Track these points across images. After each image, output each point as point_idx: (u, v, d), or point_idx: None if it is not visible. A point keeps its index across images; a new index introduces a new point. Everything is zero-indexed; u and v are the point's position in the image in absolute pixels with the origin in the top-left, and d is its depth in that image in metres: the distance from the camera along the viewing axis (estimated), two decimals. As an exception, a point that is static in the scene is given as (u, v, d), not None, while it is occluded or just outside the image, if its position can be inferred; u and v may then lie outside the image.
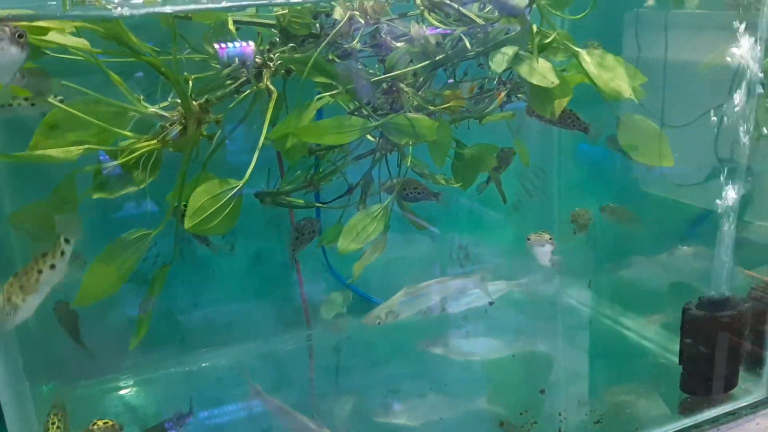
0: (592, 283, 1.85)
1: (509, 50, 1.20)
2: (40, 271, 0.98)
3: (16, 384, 1.23)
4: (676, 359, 1.52)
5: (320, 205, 1.53)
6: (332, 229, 1.63)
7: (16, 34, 0.85)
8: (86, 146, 1.08)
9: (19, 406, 1.19)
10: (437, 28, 1.25)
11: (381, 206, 1.32)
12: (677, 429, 1.39)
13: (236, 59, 1.24)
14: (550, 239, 1.64)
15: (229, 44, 1.23)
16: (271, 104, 1.22)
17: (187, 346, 1.74)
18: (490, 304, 1.70)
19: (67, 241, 0.99)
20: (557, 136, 1.94)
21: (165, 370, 1.70)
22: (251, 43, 1.25)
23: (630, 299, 1.85)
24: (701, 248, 1.74)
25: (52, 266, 0.99)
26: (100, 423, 1.17)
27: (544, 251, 1.65)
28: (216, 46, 1.22)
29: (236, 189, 1.14)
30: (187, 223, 1.09)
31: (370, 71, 1.32)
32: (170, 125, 1.14)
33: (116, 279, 1.10)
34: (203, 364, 1.73)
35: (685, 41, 1.70)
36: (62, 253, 1.00)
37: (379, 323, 1.44)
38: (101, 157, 1.22)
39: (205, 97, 1.17)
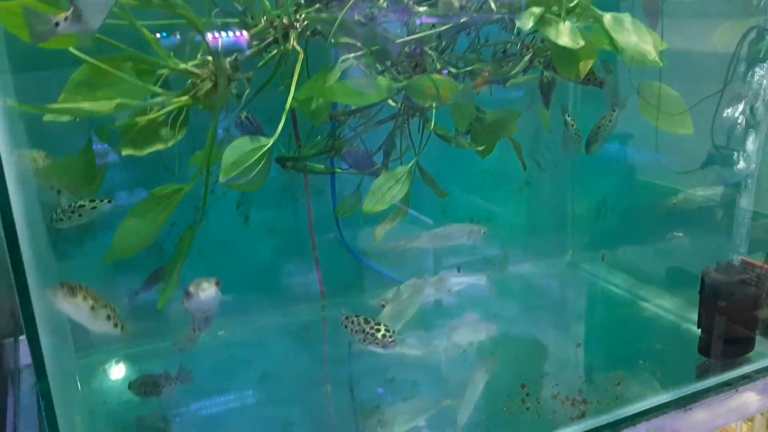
0: (605, 257, 1.87)
1: (536, 9, 1.21)
2: None
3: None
4: (694, 327, 1.54)
5: (340, 170, 1.54)
6: (349, 198, 1.65)
7: None
8: (119, 100, 1.08)
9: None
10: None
11: (405, 168, 1.33)
12: (696, 390, 1.41)
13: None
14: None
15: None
16: (298, 65, 1.22)
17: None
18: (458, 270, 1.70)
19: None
20: (571, 108, 1.95)
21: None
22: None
23: (644, 271, 1.87)
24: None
25: None
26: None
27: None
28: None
29: (269, 144, 1.13)
30: (222, 178, 1.09)
31: (394, 34, 1.32)
32: (201, 82, 1.14)
33: (149, 233, 1.10)
34: (219, 333, 1.72)
35: (682, 29, 1.71)
36: None
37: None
38: (97, 145, 1.23)
39: (235, 54, 1.17)
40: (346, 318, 1.28)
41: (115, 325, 1.07)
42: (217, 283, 1.10)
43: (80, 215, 1.12)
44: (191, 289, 1.08)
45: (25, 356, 1.62)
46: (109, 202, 1.17)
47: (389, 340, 1.22)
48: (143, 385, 1.35)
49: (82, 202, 1.13)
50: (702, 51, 1.71)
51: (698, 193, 1.85)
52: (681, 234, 1.85)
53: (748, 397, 1.44)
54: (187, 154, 1.28)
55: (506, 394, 1.41)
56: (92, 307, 1.01)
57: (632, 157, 2.00)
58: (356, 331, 1.25)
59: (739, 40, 1.66)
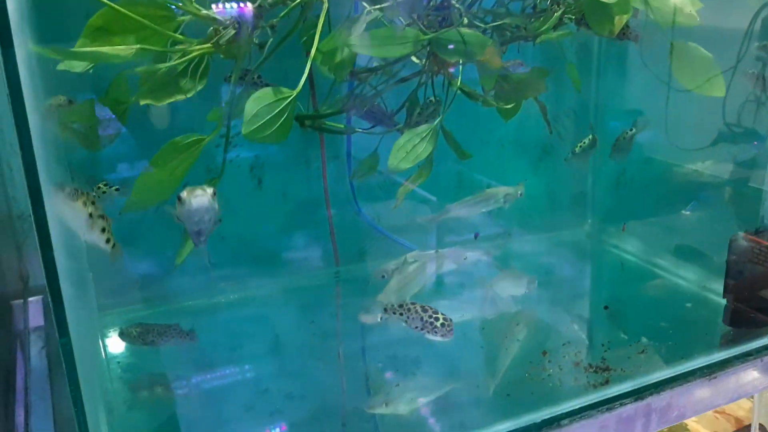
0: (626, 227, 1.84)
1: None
2: None
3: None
4: (717, 297, 1.51)
5: (360, 130, 1.50)
6: (366, 161, 1.61)
7: None
8: (139, 46, 1.04)
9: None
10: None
11: (430, 126, 1.29)
12: (721, 359, 1.38)
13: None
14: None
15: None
16: (323, 14, 1.18)
17: (213, 279, 1.71)
18: (476, 236, 1.66)
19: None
20: (595, 73, 1.91)
21: (192, 301, 1.67)
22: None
23: (666, 242, 1.84)
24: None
25: None
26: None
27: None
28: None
29: (293, 95, 1.09)
30: (245, 130, 1.05)
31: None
32: (223, 29, 1.10)
33: (169, 183, 1.06)
34: (231, 296, 1.70)
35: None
36: None
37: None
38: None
39: (258, 2, 1.13)
40: (401, 306, 1.24)
41: (107, 241, 0.99)
42: (213, 194, 1.00)
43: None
44: (183, 194, 0.98)
45: (34, 318, 1.60)
46: (117, 189, 1.24)
47: (448, 328, 1.19)
48: (142, 333, 1.32)
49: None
50: (715, 27, 1.66)
51: (718, 168, 1.82)
52: (701, 210, 1.82)
53: (774, 367, 1.42)
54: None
55: (527, 361, 1.39)
56: (90, 215, 0.95)
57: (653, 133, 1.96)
58: (413, 318, 1.21)
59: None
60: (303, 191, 1.78)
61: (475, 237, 1.67)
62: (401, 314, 1.23)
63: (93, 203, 0.95)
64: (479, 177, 1.92)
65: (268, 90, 1.11)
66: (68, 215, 0.94)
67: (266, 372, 1.48)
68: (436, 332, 1.18)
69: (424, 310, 1.21)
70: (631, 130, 1.66)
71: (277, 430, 1.28)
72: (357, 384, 1.44)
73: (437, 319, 1.19)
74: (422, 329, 1.20)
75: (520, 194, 1.56)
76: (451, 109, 1.40)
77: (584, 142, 1.67)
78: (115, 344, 1.47)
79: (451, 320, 1.19)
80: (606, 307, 1.48)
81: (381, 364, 1.45)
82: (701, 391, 1.34)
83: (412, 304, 1.23)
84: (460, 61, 1.28)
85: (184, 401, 1.34)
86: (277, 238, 1.79)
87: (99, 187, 1.26)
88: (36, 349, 1.55)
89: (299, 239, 1.81)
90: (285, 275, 1.77)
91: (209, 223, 1.00)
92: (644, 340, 1.42)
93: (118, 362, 1.44)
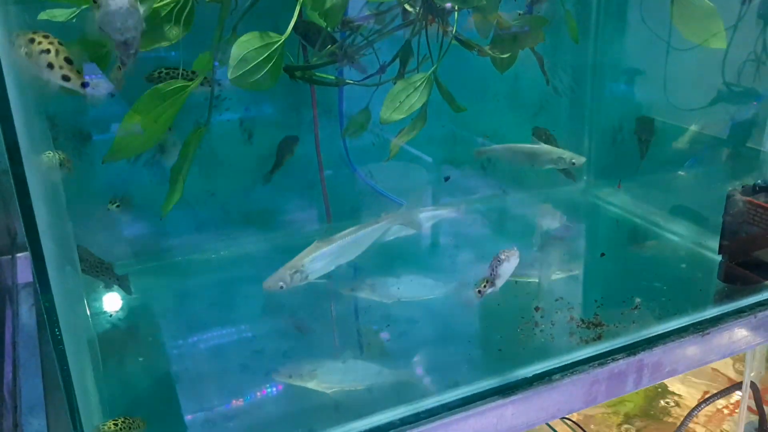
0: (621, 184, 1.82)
1: None
2: None
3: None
4: (712, 254, 1.50)
5: (351, 82, 1.46)
6: (358, 116, 1.57)
7: None
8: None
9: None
10: None
11: (424, 75, 1.25)
12: (714, 315, 1.37)
13: None
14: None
15: None
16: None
17: (203, 235, 1.69)
18: (446, 179, 1.61)
19: None
20: (594, 29, 1.87)
21: (181, 257, 1.65)
22: None
23: (662, 200, 1.82)
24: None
25: None
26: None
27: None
28: None
29: (281, 40, 1.06)
30: (231, 74, 1.02)
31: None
32: (208, -30, 1.05)
33: (153, 132, 1.03)
34: (221, 253, 1.68)
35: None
36: None
37: (282, 287, 1.18)
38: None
39: (245, -58, 1.08)
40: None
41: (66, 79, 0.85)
42: None
43: None
44: None
45: (23, 274, 1.58)
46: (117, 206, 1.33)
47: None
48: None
49: None
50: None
51: (717, 128, 1.80)
52: (698, 168, 1.80)
53: (766, 323, 1.41)
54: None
55: (519, 316, 1.38)
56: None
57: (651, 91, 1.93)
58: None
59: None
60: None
61: (446, 180, 1.64)
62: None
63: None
64: (474, 131, 1.89)
65: (255, 34, 1.07)
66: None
67: (259, 331, 1.47)
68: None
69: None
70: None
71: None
72: (349, 342, 1.43)
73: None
74: None
75: (574, 163, 1.51)
76: (445, 63, 1.36)
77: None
78: (108, 300, 1.46)
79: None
80: (603, 255, 1.47)
81: (376, 327, 1.43)
82: (693, 347, 1.34)
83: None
84: (455, 8, 1.24)
85: (171, 357, 1.33)
86: (268, 195, 1.76)
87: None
88: (26, 306, 1.54)
89: (290, 195, 1.79)
90: (276, 232, 1.75)
91: (135, 30, 0.88)
92: (638, 296, 1.40)
93: (110, 317, 1.42)
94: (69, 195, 1.23)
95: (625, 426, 2.33)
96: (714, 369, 2.49)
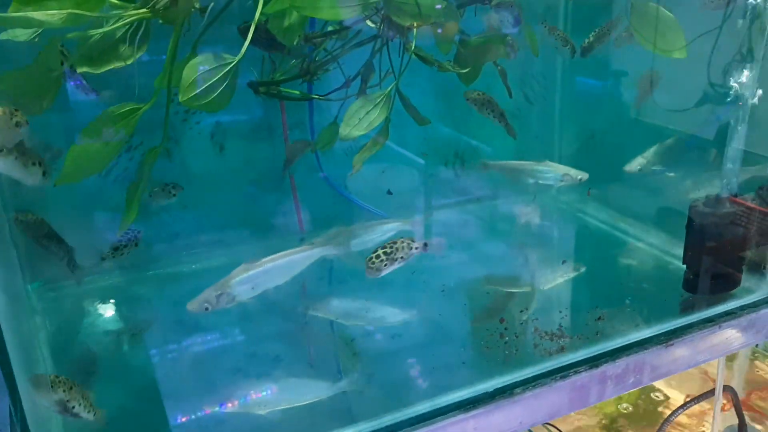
0: (591, 192, 1.82)
1: None
2: None
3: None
4: (678, 262, 1.50)
5: (316, 97, 1.46)
6: (327, 130, 1.58)
7: None
8: (70, 11, 0.99)
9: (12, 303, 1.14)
10: None
11: (383, 92, 1.26)
12: (678, 326, 1.38)
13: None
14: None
15: None
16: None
17: (175, 247, 1.69)
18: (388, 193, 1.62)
19: None
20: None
21: (154, 270, 1.65)
22: None
23: (631, 207, 1.83)
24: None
25: None
26: None
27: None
28: None
29: (234, 62, 1.06)
30: (182, 97, 1.02)
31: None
32: (160, -8, 1.05)
33: (103, 155, 1.03)
34: (193, 266, 1.68)
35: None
36: None
37: (207, 309, 1.15)
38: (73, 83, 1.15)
39: (198, -37, 1.08)
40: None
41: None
42: None
43: None
44: None
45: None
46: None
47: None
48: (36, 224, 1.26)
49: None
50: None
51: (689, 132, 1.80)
52: (672, 174, 1.81)
53: (731, 334, 1.42)
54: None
55: (484, 328, 1.38)
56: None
57: (623, 94, 1.94)
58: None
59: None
60: (267, 158, 1.76)
61: (389, 193, 1.64)
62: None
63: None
64: (446, 141, 1.90)
65: (208, 55, 1.07)
66: None
67: (241, 338, 1.47)
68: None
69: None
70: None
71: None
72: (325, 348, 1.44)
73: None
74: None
75: (580, 179, 1.55)
76: (420, 72, 1.36)
77: None
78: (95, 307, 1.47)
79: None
80: (564, 262, 1.48)
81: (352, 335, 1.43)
82: (658, 358, 1.34)
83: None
84: (414, 25, 1.24)
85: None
86: (241, 205, 1.77)
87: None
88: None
89: (263, 206, 1.79)
90: (248, 244, 1.75)
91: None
92: (602, 307, 1.41)
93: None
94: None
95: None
96: (705, 372, 2.50)
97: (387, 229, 1.42)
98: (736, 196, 1.44)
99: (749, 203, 1.42)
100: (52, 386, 0.98)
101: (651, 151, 1.78)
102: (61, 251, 1.30)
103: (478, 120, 1.89)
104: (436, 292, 1.52)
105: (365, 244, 1.41)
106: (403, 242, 1.25)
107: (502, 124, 1.49)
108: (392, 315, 1.41)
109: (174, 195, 1.48)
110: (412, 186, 1.90)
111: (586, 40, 1.58)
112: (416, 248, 1.26)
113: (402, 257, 1.23)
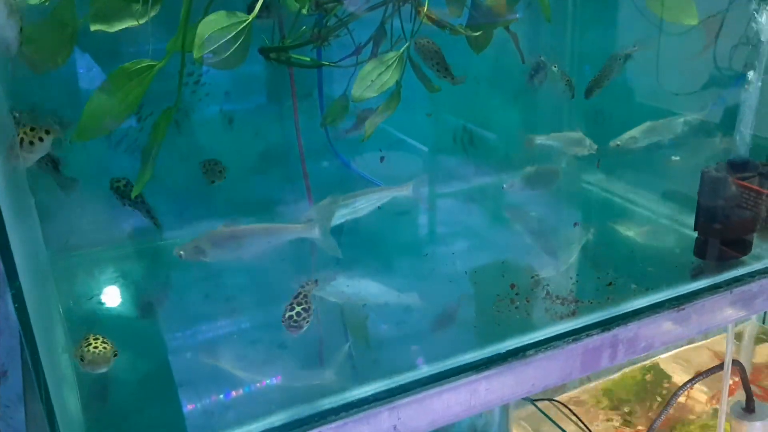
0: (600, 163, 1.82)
1: None
2: None
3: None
4: (689, 230, 1.50)
5: (326, 64, 1.46)
6: (336, 103, 1.58)
7: None
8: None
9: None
10: None
11: (396, 54, 1.25)
12: (689, 291, 1.38)
13: None
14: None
15: None
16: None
17: (185, 218, 1.69)
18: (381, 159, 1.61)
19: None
20: (571, 12, 1.87)
21: (162, 241, 1.65)
22: None
23: (640, 179, 1.83)
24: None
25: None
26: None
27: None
28: None
29: (248, 20, 1.06)
30: (196, 53, 1.02)
31: None
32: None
33: (118, 112, 1.03)
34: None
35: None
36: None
37: (181, 256, 1.24)
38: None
39: None
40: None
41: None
42: None
43: None
44: None
45: None
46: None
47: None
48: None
49: None
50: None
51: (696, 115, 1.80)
52: (677, 158, 1.81)
53: (742, 299, 1.42)
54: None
55: (494, 294, 1.38)
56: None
57: (632, 75, 1.93)
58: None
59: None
60: (275, 130, 1.75)
61: (381, 160, 1.64)
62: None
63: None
64: (454, 115, 1.89)
65: (221, 13, 1.07)
66: None
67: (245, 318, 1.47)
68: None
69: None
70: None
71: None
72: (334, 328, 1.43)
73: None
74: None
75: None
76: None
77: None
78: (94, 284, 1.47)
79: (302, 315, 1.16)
80: (576, 224, 1.48)
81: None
82: (669, 323, 1.34)
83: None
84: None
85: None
86: (250, 182, 1.77)
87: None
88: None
89: (272, 180, 1.79)
90: (257, 214, 1.75)
91: None
92: (613, 273, 1.41)
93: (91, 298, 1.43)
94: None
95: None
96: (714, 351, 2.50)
97: (382, 196, 1.42)
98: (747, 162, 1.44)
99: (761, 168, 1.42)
100: None
101: (638, 129, 1.79)
102: (147, 211, 1.41)
103: (485, 93, 1.90)
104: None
105: (361, 212, 1.43)
106: (303, 289, 1.24)
107: (448, 79, 1.44)
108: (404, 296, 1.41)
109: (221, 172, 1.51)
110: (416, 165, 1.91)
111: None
112: (311, 288, 1.25)
113: (309, 302, 1.20)
